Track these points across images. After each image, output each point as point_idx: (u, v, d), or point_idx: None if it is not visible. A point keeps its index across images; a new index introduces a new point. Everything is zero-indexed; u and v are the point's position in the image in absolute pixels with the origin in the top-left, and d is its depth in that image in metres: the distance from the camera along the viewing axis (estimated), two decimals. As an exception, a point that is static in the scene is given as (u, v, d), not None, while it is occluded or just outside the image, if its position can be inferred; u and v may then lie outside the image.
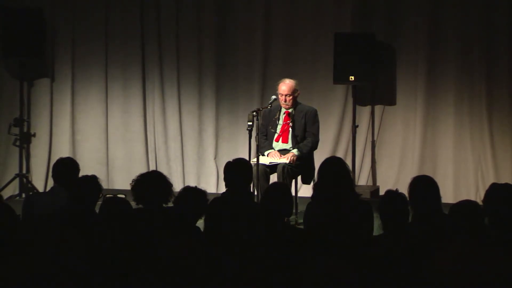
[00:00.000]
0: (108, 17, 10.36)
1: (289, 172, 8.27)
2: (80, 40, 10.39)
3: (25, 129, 10.25)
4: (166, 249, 4.87)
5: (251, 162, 7.69)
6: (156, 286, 4.61)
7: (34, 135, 10.37)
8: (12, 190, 10.12)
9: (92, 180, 5.90)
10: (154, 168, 10.08)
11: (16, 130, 10.13)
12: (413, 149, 9.92)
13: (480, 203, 5.24)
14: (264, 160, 8.36)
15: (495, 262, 4.60)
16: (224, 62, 10.28)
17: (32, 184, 10.09)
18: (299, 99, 8.63)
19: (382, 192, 9.54)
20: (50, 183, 8.52)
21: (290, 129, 8.55)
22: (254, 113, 8.09)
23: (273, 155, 8.47)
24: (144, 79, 10.41)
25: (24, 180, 10.10)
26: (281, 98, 8.54)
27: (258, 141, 8.13)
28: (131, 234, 5.07)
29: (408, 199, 5.41)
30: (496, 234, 5.09)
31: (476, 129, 9.71)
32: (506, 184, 5.53)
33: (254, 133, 8.07)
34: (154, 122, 10.46)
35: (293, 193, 7.80)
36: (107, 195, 5.73)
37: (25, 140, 10.25)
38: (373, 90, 9.96)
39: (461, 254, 4.66)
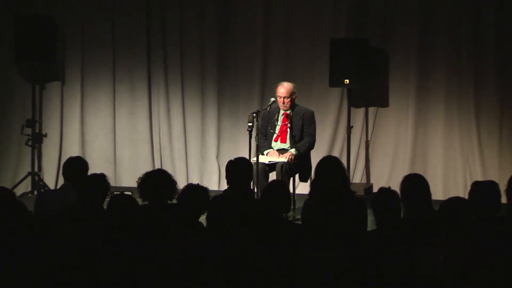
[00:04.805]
0: (115, 24, 10.35)
1: (287, 170, 8.27)
2: (89, 45, 10.38)
3: (37, 130, 10.24)
4: (170, 243, 4.86)
5: (251, 161, 7.67)
6: (160, 280, 4.60)
7: (45, 135, 10.36)
8: (24, 187, 10.12)
9: (100, 178, 5.88)
10: (159, 167, 10.07)
11: (28, 131, 10.12)
12: (405, 149, 9.92)
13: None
14: (264, 159, 8.36)
15: (483, 255, 4.60)
16: (225, 66, 10.27)
17: (43, 182, 10.08)
18: (296, 101, 8.62)
19: (375, 189, 9.53)
20: (61, 181, 8.53)
21: (288, 129, 8.55)
22: (254, 114, 8.09)
23: (272, 154, 8.47)
24: (149, 82, 10.40)
25: (36, 178, 10.09)
26: (280, 100, 8.53)
27: (258, 141, 8.12)
28: (137, 229, 5.06)
29: (400, 196, 5.40)
30: (483, 229, 5.09)
31: (465, 129, 9.71)
32: (487, 182, 5.53)
33: (254, 134, 8.06)
34: (159, 123, 10.45)
35: (291, 190, 7.79)
36: (115, 192, 5.72)
37: (37, 140, 10.24)
38: (367, 92, 9.95)
39: (451, 247, 4.65)
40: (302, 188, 8.86)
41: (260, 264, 4.68)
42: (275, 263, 4.70)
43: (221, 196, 6.15)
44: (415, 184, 5.60)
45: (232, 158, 6.59)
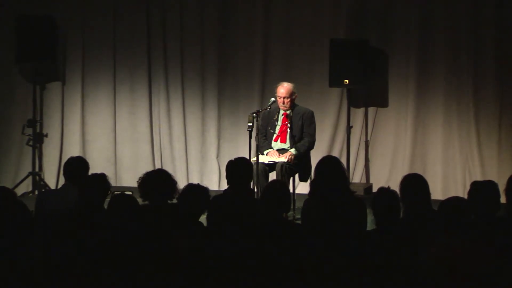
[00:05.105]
0: (116, 24, 10.35)
1: (287, 170, 8.27)
2: (90, 45, 10.38)
3: (37, 130, 10.24)
4: (171, 243, 4.86)
5: (251, 161, 7.67)
6: (161, 278, 4.60)
7: (46, 135, 10.37)
8: (25, 187, 10.12)
9: (101, 178, 5.88)
10: (159, 167, 10.07)
11: (29, 131, 10.12)
12: (404, 149, 9.91)
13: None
14: (264, 159, 8.36)
15: (482, 255, 4.60)
16: (225, 67, 10.28)
17: (44, 182, 10.08)
18: (296, 102, 8.62)
19: (375, 189, 9.53)
20: (62, 180, 8.54)
21: (288, 129, 8.55)
22: (254, 114, 8.09)
23: (272, 154, 8.47)
24: (150, 83, 10.40)
25: (37, 178, 10.10)
26: (280, 101, 8.53)
27: (258, 141, 8.12)
28: (137, 229, 5.06)
29: (399, 195, 5.40)
30: (481, 229, 5.10)
31: (464, 129, 9.71)
32: (487, 181, 5.53)
33: (254, 134, 8.06)
34: (159, 123, 10.45)
35: (291, 190, 7.80)
36: (115, 192, 5.72)
37: (37, 140, 10.25)
38: (367, 93, 9.95)
39: (449, 247, 4.65)
40: (302, 188, 8.86)
41: (260, 264, 4.67)
42: (275, 263, 4.70)
43: (221, 195, 6.16)
44: (415, 184, 5.60)
45: (232, 158, 6.60)
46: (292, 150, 8.45)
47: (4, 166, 10.31)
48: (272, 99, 8.54)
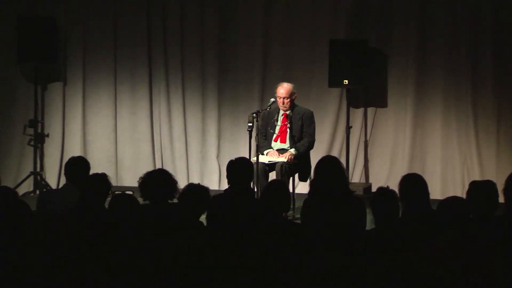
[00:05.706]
0: (117, 25, 10.36)
1: (287, 170, 8.27)
2: (91, 46, 10.39)
3: (39, 130, 10.25)
4: (171, 242, 4.86)
5: (251, 161, 7.67)
6: (160, 277, 4.60)
7: (47, 135, 10.37)
8: (27, 187, 10.13)
9: (102, 177, 5.88)
10: (160, 167, 10.08)
11: (30, 131, 10.13)
12: (403, 149, 9.92)
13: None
14: (264, 159, 8.36)
15: (479, 254, 4.60)
16: (225, 67, 10.28)
17: (45, 182, 10.09)
18: (296, 102, 8.63)
19: (374, 189, 9.49)
20: (63, 180, 8.53)
21: (288, 129, 8.56)
22: (254, 114, 8.10)
23: (272, 154, 8.47)
24: (150, 83, 10.41)
25: (38, 177, 10.10)
26: (279, 101, 8.54)
27: (258, 141, 8.12)
28: (138, 228, 5.06)
29: (398, 195, 5.41)
30: (480, 228, 5.10)
31: (463, 129, 9.72)
32: (485, 181, 5.54)
33: (254, 134, 8.07)
34: (160, 123, 10.46)
35: (291, 190, 7.80)
36: (116, 192, 5.72)
37: (39, 140, 10.26)
38: (366, 93, 9.96)
39: (448, 246, 4.66)
40: (302, 187, 8.87)
41: (259, 264, 4.67)
42: (274, 262, 4.70)
43: (221, 195, 6.16)
44: (414, 183, 5.60)
45: (232, 158, 6.60)
46: (292, 150, 8.46)
47: (6, 166, 10.31)
48: (272, 99, 8.55)
